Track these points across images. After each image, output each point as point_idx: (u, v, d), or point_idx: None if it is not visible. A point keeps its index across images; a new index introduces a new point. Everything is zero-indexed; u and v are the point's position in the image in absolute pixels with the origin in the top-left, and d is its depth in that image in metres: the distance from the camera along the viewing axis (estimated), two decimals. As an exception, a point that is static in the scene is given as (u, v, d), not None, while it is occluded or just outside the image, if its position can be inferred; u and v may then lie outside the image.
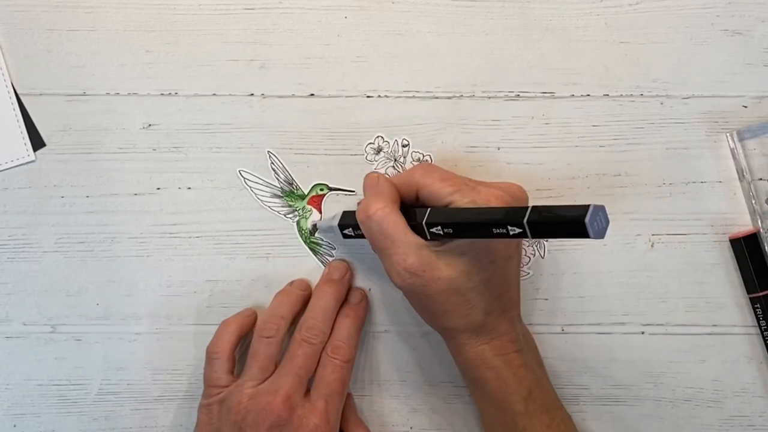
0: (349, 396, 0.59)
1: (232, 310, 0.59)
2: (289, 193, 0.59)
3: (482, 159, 0.59)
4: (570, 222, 0.44)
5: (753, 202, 0.58)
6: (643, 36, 0.59)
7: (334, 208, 0.59)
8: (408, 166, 0.59)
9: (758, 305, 0.58)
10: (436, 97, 0.59)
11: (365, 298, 0.59)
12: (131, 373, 0.60)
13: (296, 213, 0.59)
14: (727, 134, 0.58)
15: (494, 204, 0.51)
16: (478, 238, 0.51)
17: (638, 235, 0.59)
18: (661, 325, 0.59)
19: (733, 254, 0.59)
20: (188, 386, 0.60)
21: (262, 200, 0.59)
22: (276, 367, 0.56)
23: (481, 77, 0.59)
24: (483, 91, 0.59)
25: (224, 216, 0.59)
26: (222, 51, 0.59)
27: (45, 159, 0.59)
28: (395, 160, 0.59)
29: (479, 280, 0.52)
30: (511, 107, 0.59)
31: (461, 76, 0.59)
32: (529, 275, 0.59)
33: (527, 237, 0.46)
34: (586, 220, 0.43)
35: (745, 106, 0.59)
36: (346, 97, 0.59)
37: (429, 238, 0.52)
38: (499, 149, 0.59)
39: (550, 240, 0.59)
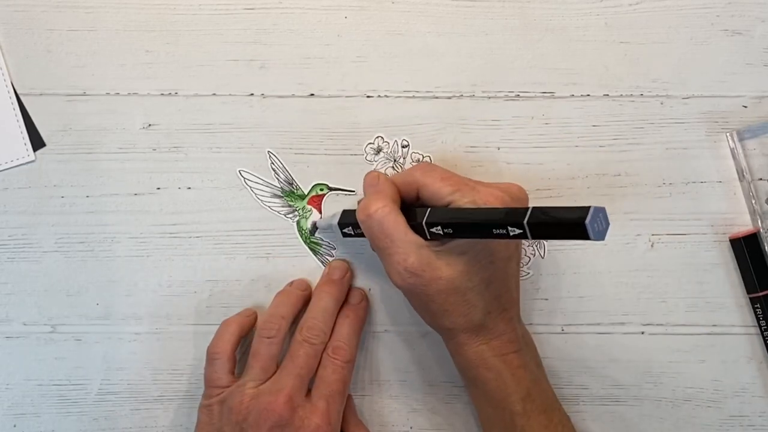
0: (348, 397, 0.59)
1: (232, 310, 0.59)
2: (289, 193, 0.59)
3: (482, 159, 0.59)
4: (570, 224, 0.44)
5: (753, 202, 0.58)
6: (643, 36, 0.59)
7: (334, 208, 0.59)
8: (407, 167, 0.59)
9: (758, 305, 0.58)
10: (436, 97, 0.59)
11: (365, 298, 0.59)
12: (131, 373, 0.60)
13: (296, 213, 0.59)
14: (727, 134, 0.58)
15: (494, 204, 0.51)
16: (477, 239, 0.51)
17: (638, 235, 0.59)
18: (661, 325, 0.59)
19: (733, 254, 0.59)
20: (188, 386, 0.60)
21: (262, 200, 0.59)
22: (277, 367, 0.56)
23: (481, 77, 0.59)
24: (483, 91, 0.59)
25: (224, 216, 0.59)
26: (222, 51, 0.59)
27: (45, 159, 0.59)
28: (395, 160, 0.59)
29: (479, 280, 0.52)
30: (511, 107, 0.59)
31: (461, 76, 0.59)
32: (529, 275, 0.59)
33: (527, 238, 0.46)
34: (587, 221, 0.43)
35: (745, 106, 0.59)
36: (346, 97, 0.59)
37: (429, 237, 0.52)
38: (499, 149, 0.59)
39: (550, 240, 0.59)
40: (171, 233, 0.59)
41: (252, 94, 0.59)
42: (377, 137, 0.59)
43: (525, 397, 0.54)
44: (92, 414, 0.60)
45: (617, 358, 0.59)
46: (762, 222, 0.58)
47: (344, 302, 0.58)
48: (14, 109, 0.59)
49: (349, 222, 0.56)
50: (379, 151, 0.59)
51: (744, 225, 0.59)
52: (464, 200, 0.51)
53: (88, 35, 0.59)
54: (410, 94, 0.59)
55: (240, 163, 0.59)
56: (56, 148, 0.59)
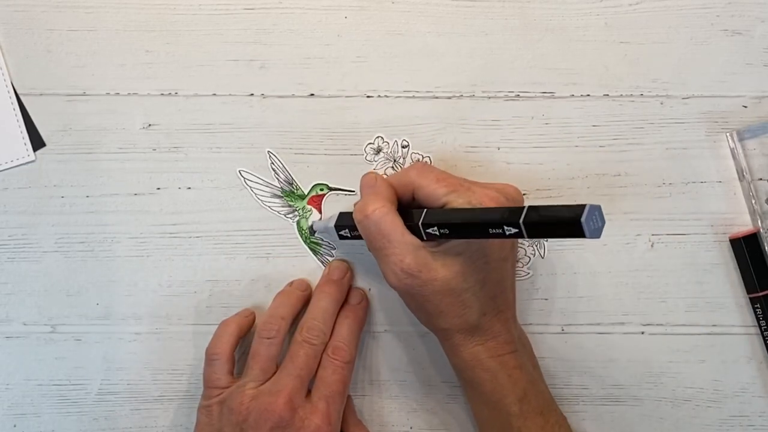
0: (348, 397, 0.59)
1: (232, 310, 0.59)
2: (289, 193, 0.59)
3: (482, 159, 0.59)
4: (566, 222, 0.44)
5: (753, 202, 0.58)
6: (643, 36, 0.58)
7: (334, 208, 0.59)
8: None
9: (758, 305, 0.58)
10: (436, 97, 0.59)
11: (365, 298, 0.59)
12: (131, 373, 0.60)
13: (296, 213, 0.59)
14: (727, 134, 0.58)
15: (489, 205, 0.51)
16: (473, 239, 0.51)
17: (638, 235, 0.59)
18: (661, 325, 0.59)
19: (733, 254, 0.59)
20: (188, 386, 0.60)
21: (262, 200, 0.59)
22: (277, 367, 0.56)
23: (481, 77, 0.59)
24: (483, 91, 0.59)
25: (224, 216, 0.59)
26: (222, 51, 0.59)
27: (45, 159, 0.59)
28: (395, 160, 0.59)
29: (474, 280, 0.52)
30: (511, 107, 0.59)
31: (461, 76, 0.59)
32: (529, 275, 0.59)
33: (524, 237, 0.46)
34: (583, 219, 0.43)
35: (745, 106, 0.59)
36: (346, 97, 0.59)
37: (425, 238, 0.52)
38: (499, 149, 0.59)
39: (549, 240, 0.59)
40: (171, 233, 0.59)
41: (252, 94, 0.59)
42: (377, 137, 0.59)
43: (521, 398, 0.54)
44: (92, 414, 0.60)
45: (617, 358, 0.59)
46: (762, 222, 0.58)
47: (344, 302, 0.58)
48: (14, 109, 0.59)
49: (345, 224, 0.56)
50: (378, 151, 0.59)
51: (744, 225, 0.59)
52: (460, 201, 0.51)
53: (88, 35, 0.59)
54: (410, 94, 0.59)
55: (240, 163, 0.59)
56: (56, 148, 0.59)
